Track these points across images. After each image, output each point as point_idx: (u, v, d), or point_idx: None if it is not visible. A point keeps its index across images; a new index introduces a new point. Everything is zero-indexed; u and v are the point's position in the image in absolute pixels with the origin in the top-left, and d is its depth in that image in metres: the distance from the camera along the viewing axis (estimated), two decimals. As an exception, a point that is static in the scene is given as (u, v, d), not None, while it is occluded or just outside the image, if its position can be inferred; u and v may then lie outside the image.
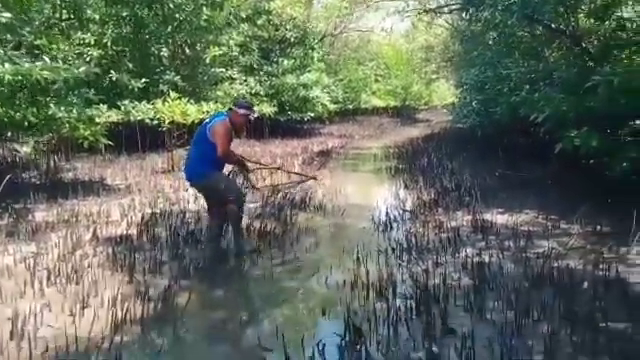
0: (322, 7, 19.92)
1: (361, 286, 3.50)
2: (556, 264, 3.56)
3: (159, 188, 7.07)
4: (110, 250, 4.18)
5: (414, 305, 3.09)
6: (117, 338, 2.78)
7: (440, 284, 3.36)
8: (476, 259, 3.80)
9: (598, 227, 4.42)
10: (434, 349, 2.54)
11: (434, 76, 29.75)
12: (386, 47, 30.05)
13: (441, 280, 3.43)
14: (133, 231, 4.84)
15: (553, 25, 8.63)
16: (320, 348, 2.67)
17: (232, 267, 4.04)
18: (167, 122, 8.98)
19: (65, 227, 4.83)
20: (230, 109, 4.30)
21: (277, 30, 17.22)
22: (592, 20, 8.50)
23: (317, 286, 3.64)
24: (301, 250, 4.42)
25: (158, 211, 5.58)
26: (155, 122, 9.43)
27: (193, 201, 6.26)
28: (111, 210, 5.63)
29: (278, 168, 6.53)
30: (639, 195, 5.01)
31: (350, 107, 23.51)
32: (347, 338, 2.72)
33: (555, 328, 2.64)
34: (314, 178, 6.17)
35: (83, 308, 3.11)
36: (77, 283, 3.49)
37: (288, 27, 17.18)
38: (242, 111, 4.26)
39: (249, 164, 5.07)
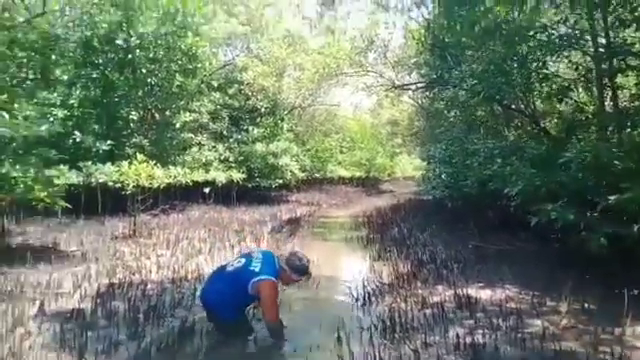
0: (292, 80, 20.53)
1: (346, 371, 3.15)
2: (553, 346, 3.34)
3: (118, 255, 6.54)
4: (58, 327, 3.66)
5: (409, 394, 2.76)
6: None
7: (433, 368, 3.06)
8: (468, 339, 3.54)
9: (585, 305, 4.28)
10: None
11: (398, 150, 30.79)
12: (352, 121, 31.13)
13: (434, 364, 3.13)
14: (86, 305, 4.32)
15: (513, 106, 9.14)
16: None
17: (199, 347, 3.57)
18: (132, 185, 8.57)
19: (7, 300, 4.25)
20: (282, 267, 3.79)
21: (248, 100, 17.51)
22: (550, 102, 9.07)
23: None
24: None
25: (116, 281, 5.08)
26: (118, 185, 8.99)
27: (156, 271, 5.80)
28: (63, 280, 5.08)
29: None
30: (614, 270, 4.99)
31: (317, 176, 23.66)
32: None
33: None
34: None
35: (20, 401, 2.60)
36: (14, 369, 2.97)
37: (259, 97, 17.51)
38: (295, 276, 3.84)
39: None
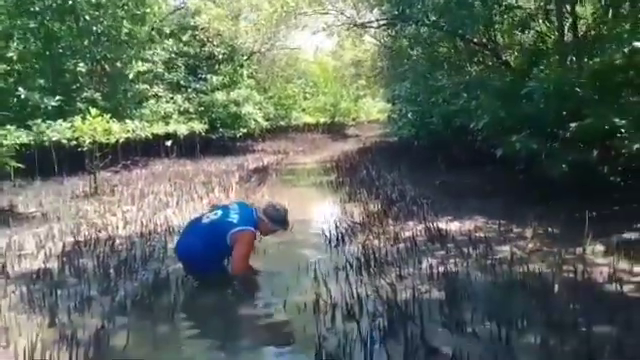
0: (249, 23, 19.62)
1: (325, 307, 3.19)
2: (521, 269, 3.49)
3: (81, 214, 6.30)
4: (24, 289, 3.52)
5: (387, 324, 2.83)
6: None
7: (409, 298, 3.14)
8: (441, 269, 3.64)
9: (549, 229, 4.47)
10: (421, 373, 2.28)
11: (362, 92, 30.52)
12: (314, 65, 30.43)
13: (410, 294, 3.21)
14: (52, 264, 4.16)
15: (475, 40, 9.08)
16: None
17: (176, 298, 3.51)
18: (88, 142, 8.15)
19: (-36, 265, 4.04)
20: (260, 217, 3.70)
21: (204, 46, 16.70)
22: (511, 34, 9.06)
23: (276, 312, 3.27)
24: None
25: (82, 239, 4.91)
26: (74, 143, 8.54)
27: (123, 226, 5.63)
28: (24, 241, 4.86)
29: None
30: (575, 196, 5.21)
31: (282, 124, 23.32)
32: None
33: (544, 337, 2.49)
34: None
35: (-8, 363, 2.51)
36: (-18, 333, 2.84)
37: (215, 43, 16.72)
38: (274, 227, 3.76)
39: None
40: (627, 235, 4.21)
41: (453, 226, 4.99)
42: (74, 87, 11.35)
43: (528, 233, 4.43)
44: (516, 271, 3.44)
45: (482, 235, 4.53)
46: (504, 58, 8.80)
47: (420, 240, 4.57)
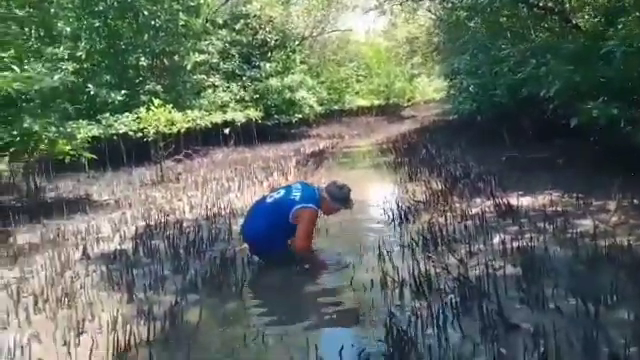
0: (300, 7, 19.52)
1: (392, 284, 3.11)
2: (606, 242, 3.21)
3: (150, 200, 6.59)
4: (104, 268, 3.71)
5: (459, 300, 2.71)
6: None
7: (482, 275, 2.98)
8: (515, 244, 3.44)
9: (635, 201, 4.10)
10: (502, 350, 2.15)
11: (417, 71, 29.62)
12: (365, 47, 29.87)
13: (482, 270, 3.06)
14: (127, 246, 4.37)
15: (540, 4, 8.43)
16: (363, 359, 2.27)
17: (243, 276, 3.57)
18: (152, 132, 8.50)
19: (51, 248, 4.33)
20: (322, 196, 3.68)
21: (256, 34, 16.82)
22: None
23: (343, 289, 3.23)
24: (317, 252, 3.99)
25: (153, 223, 5.12)
26: (139, 134, 8.95)
27: (189, 210, 5.83)
28: (101, 226, 5.15)
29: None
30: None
31: (335, 108, 23.15)
32: (392, 344, 2.31)
33: (638, 312, 2.27)
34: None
35: (78, 335, 2.66)
36: (69, 307, 3.02)
37: (267, 30, 16.80)
38: (337, 205, 3.73)
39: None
40: None
41: (525, 201, 4.71)
42: (137, 81, 11.84)
43: (611, 205, 4.09)
44: (600, 245, 3.17)
45: (558, 209, 4.23)
46: (574, 22, 8.13)
47: (489, 216, 4.35)
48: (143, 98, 10.90)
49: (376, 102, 27.86)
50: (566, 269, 2.89)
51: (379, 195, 6.26)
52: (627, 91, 4.97)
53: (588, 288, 2.55)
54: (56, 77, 6.02)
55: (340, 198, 3.71)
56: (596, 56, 5.17)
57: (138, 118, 8.93)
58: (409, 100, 32.33)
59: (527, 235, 3.63)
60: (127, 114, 9.76)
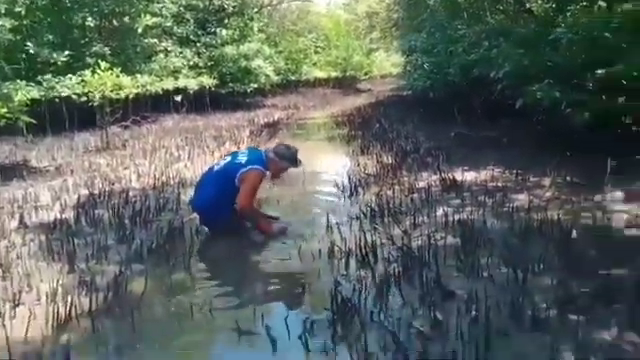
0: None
1: (339, 254, 3.19)
2: (539, 216, 3.42)
3: (94, 168, 6.33)
4: (43, 238, 3.57)
5: (401, 269, 2.82)
6: (63, 338, 2.30)
7: (424, 245, 3.11)
8: (456, 217, 3.59)
9: (568, 178, 4.37)
10: (438, 315, 2.27)
11: (375, 45, 29.64)
12: (325, 18, 29.49)
13: (424, 241, 3.19)
14: (69, 215, 4.21)
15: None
16: (308, 326, 2.33)
17: (190, 246, 3.54)
18: (98, 97, 8.08)
19: (-17, 216, 4.10)
20: (270, 156, 3.67)
21: (213, -1, 16.18)
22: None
23: (291, 259, 3.28)
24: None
25: (96, 192, 4.94)
26: (84, 98, 8.50)
27: (136, 179, 5.66)
28: (40, 194, 4.91)
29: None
30: (596, 145, 5.05)
31: (292, 78, 22.86)
32: (336, 311, 2.39)
33: (561, 279, 2.46)
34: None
35: (14, 307, 2.57)
36: (4, 279, 2.90)
37: (225, -5, 16.19)
38: (285, 164, 3.71)
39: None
40: (648, 183, 4.10)
41: (469, 176, 4.91)
42: (83, 42, 11.15)
43: (546, 182, 4.34)
44: (533, 218, 3.38)
45: (499, 184, 4.45)
46: (527, 6, 8.37)
47: (435, 190, 4.51)
48: (89, 60, 10.31)
49: (333, 74, 27.72)
50: (500, 240, 3.07)
51: (331, 168, 6.33)
52: (570, 76, 5.20)
53: (519, 258, 2.73)
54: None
55: (288, 157, 3.73)
56: (545, 41, 5.38)
57: (83, 81, 8.47)
58: (366, 74, 32.36)
59: (468, 208, 3.80)
60: (71, 76, 9.22)
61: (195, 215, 3.90)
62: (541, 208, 3.64)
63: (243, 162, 3.58)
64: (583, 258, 2.69)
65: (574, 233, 3.05)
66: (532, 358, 1.90)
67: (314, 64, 26.01)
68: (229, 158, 3.77)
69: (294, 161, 3.76)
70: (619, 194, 3.84)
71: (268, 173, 3.73)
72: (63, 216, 4.16)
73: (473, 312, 2.24)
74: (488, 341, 1.98)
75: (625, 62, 4.45)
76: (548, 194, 4.01)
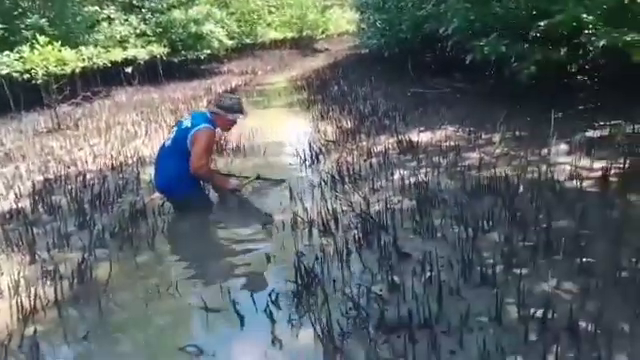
0: None
1: (302, 224, 3.29)
2: (488, 173, 3.60)
3: (47, 151, 6.10)
4: (-1, 229, 3.49)
5: (361, 235, 2.95)
6: (29, 330, 2.32)
7: (382, 210, 3.24)
8: (412, 179, 3.74)
9: (516, 133, 4.57)
10: (395, 278, 2.42)
11: (330, 2, 29.01)
12: (276, -25, 28.46)
13: (382, 206, 3.32)
14: (25, 203, 4.10)
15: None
16: (273, 298, 2.44)
17: (154, 226, 3.54)
18: (41, 73, 7.68)
19: None
20: (214, 112, 3.58)
21: (155, -41, 15.27)
22: None
23: (255, 233, 3.36)
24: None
25: (52, 177, 4.81)
26: (26, 75, 8.05)
27: (92, 160, 5.52)
28: (-10, 183, 4.74)
29: (257, 178, 4.44)
30: (543, 98, 5.28)
31: (247, 42, 22.19)
32: (300, 282, 2.50)
33: (507, 235, 2.64)
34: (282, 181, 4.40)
35: (-24, 304, 2.55)
36: (-38, 275, 2.85)
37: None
38: (231, 116, 3.60)
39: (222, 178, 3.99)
40: (589, 133, 4.36)
41: (424, 137, 5.05)
42: (15, 13, 10.42)
43: (496, 138, 4.53)
44: (483, 176, 3.57)
45: (452, 144, 4.61)
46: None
47: (392, 153, 4.63)
48: (26, 34, 9.68)
49: (289, 35, 27.10)
50: (453, 200, 3.23)
51: (292, 136, 6.33)
52: (515, 28, 5.33)
53: (470, 216, 2.90)
54: None
55: (232, 107, 3.65)
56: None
57: (22, 57, 7.99)
58: (323, 32, 31.79)
59: (423, 170, 3.96)
60: (7, 53, 8.66)
61: (157, 195, 3.88)
62: (491, 165, 3.83)
63: (189, 126, 3.53)
64: (527, 213, 2.89)
65: (520, 188, 3.24)
66: (480, 313, 2.07)
67: (268, 25, 25.28)
68: (175, 128, 3.71)
69: (240, 110, 3.69)
70: (563, 147, 4.07)
71: (218, 130, 3.71)
72: (19, 205, 4.05)
73: (427, 273, 2.40)
74: (440, 300, 2.14)
75: (564, 12, 4.59)
76: (498, 150, 4.21)
